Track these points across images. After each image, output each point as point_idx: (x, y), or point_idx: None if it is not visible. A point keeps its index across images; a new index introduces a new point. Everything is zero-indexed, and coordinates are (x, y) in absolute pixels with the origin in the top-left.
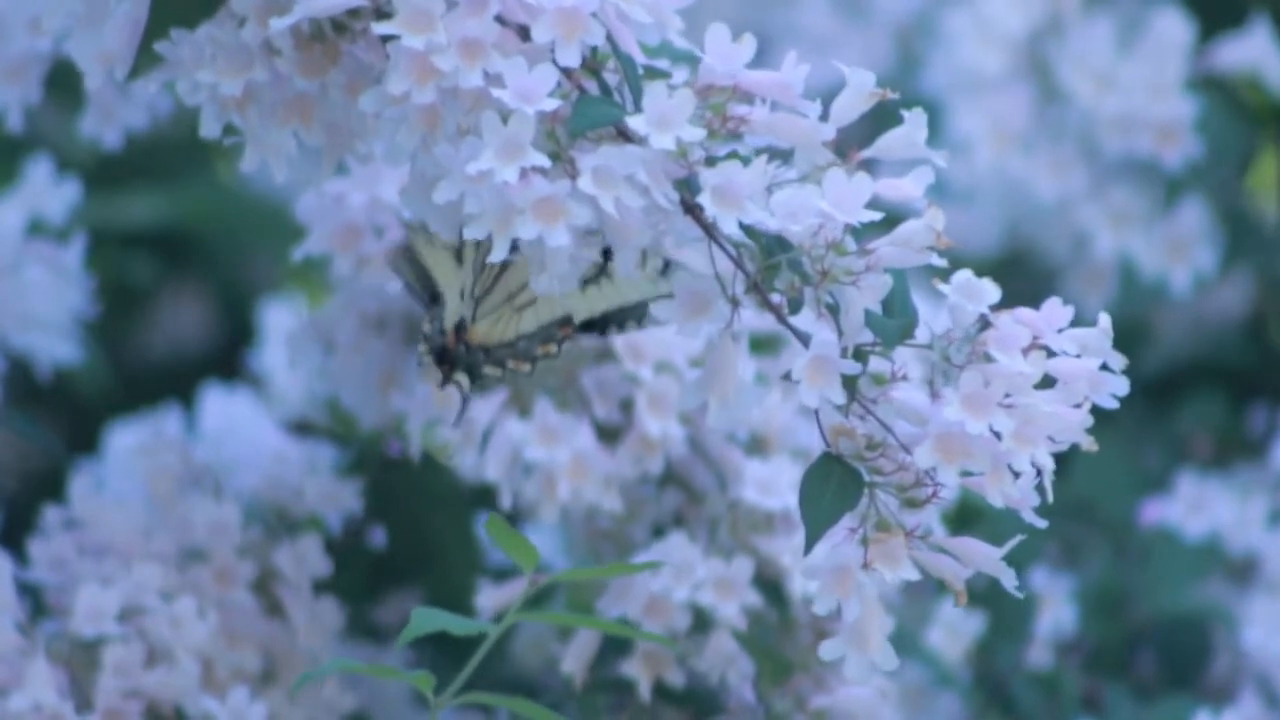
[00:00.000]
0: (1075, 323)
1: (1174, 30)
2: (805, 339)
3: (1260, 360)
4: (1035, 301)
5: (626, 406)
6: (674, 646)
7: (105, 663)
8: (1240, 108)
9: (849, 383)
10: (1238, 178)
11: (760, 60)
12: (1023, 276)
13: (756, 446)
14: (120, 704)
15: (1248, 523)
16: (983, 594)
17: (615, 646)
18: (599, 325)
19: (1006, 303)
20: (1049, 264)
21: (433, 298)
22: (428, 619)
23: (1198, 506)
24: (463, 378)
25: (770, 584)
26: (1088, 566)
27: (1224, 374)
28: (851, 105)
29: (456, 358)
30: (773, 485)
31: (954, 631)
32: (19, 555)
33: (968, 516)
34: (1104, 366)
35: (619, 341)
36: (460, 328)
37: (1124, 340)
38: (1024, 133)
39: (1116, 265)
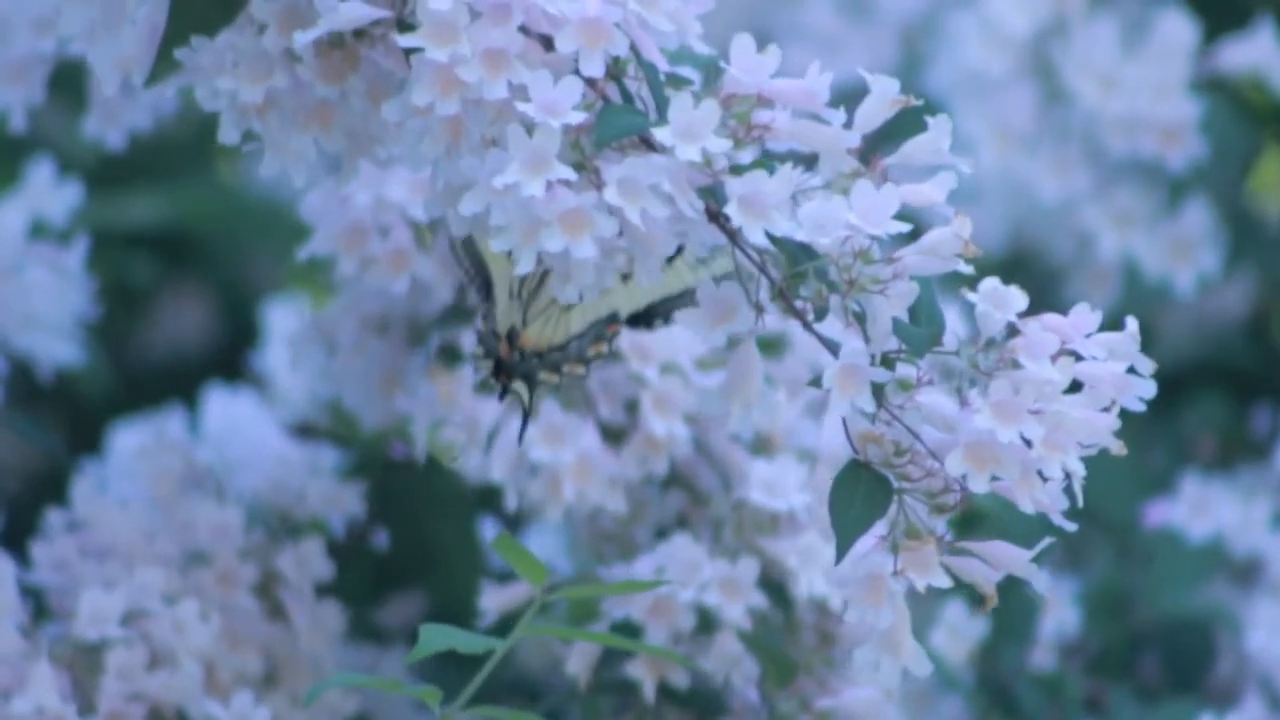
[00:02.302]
0: None
1: (1178, 31)
2: (833, 347)
3: (1263, 361)
4: (1038, 302)
5: (631, 407)
6: (678, 659)
7: (108, 666)
8: (1244, 109)
9: (877, 390)
10: (1241, 179)
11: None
12: (1026, 277)
13: (761, 447)
14: (123, 707)
15: (1251, 524)
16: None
17: (620, 647)
18: (645, 318)
19: None
20: (1053, 265)
21: (487, 286)
22: (436, 636)
23: (1201, 508)
24: (521, 387)
25: (775, 585)
26: (1091, 568)
27: (1227, 375)
28: (875, 112)
29: (512, 367)
30: (778, 486)
31: (957, 633)
32: (21, 557)
33: (971, 518)
34: (1129, 369)
35: (625, 341)
36: (512, 335)
37: None
38: (1028, 133)
39: (1120, 266)
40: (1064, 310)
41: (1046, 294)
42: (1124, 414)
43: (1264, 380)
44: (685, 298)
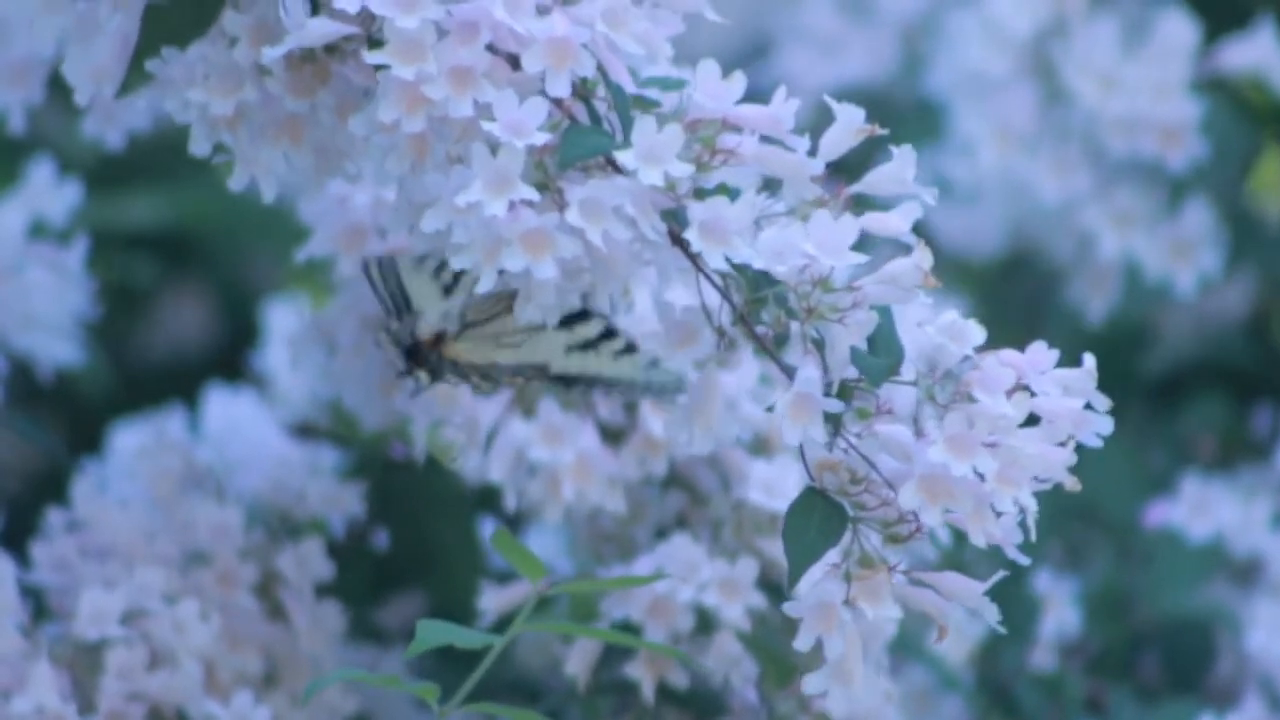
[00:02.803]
0: (1076, 323)
1: (1179, 32)
2: (791, 372)
3: (1264, 361)
4: (1039, 302)
5: (630, 407)
6: (679, 655)
7: (108, 666)
8: (1244, 109)
9: (833, 419)
10: (1241, 179)
11: (765, 62)
12: (1026, 278)
13: (760, 447)
14: (123, 707)
15: (1251, 524)
16: (986, 596)
17: (619, 648)
18: (570, 380)
19: (1010, 303)
20: (1053, 265)
21: (401, 309)
22: (433, 632)
23: (1201, 508)
24: (424, 376)
25: (774, 586)
26: (1091, 569)
27: (1227, 375)
28: (840, 140)
29: (426, 359)
30: (777, 486)
31: (957, 633)
32: (21, 557)
33: None
34: (1086, 405)
35: None
36: (440, 338)
37: (1127, 342)
38: (1028, 134)
39: (1121, 266)
40: (1064, 311)
41: (1046, 294)
42: (1124, 414)
43: (1264, 380)
44: (612, 382)
